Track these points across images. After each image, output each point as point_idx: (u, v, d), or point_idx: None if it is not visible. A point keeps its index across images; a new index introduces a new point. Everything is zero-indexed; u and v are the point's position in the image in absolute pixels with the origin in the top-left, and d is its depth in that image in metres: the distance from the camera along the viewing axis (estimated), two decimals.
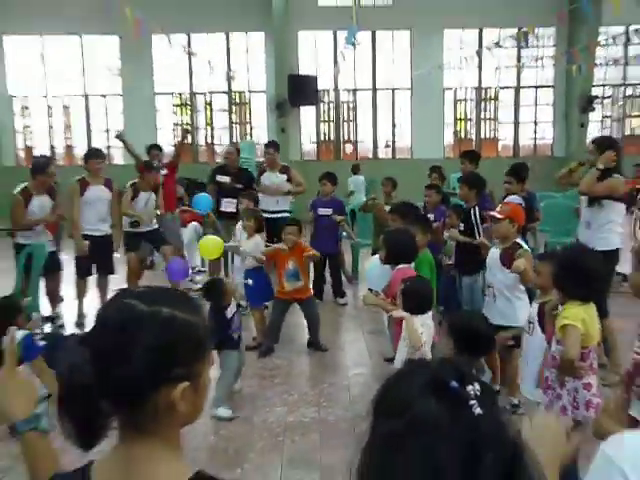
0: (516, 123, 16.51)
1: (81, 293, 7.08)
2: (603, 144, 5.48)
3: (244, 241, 6.48)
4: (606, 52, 15.41)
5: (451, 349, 3.33)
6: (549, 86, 16.23)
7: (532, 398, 3.76)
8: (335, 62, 15.58)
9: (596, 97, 15.45)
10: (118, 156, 16.08)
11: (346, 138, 16.52)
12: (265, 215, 7.52)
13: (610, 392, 3.92)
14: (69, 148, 16.37)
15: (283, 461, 4.16)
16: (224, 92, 16.28)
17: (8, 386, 1.43)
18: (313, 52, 15.89)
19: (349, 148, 16.14)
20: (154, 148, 8.75)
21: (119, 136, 8.46)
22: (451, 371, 1.05)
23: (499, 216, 4.82)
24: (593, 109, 15.39)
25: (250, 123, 16.51)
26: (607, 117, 16.47)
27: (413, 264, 4.97)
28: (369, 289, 5.59)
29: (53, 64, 16.06)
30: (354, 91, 16.34)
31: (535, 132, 16.61)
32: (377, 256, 5.34)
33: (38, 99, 16.31)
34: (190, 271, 8.87)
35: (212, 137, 16.49)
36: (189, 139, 8.19)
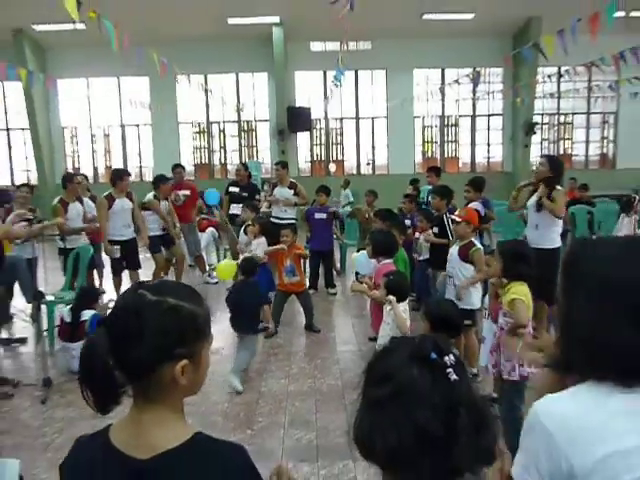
0: (473, 144, 16.52)
1: (117, 286, 7.06)
2: (552, 160, 5.51)
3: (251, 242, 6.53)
4: (543, 88, 15.44)
5: (427, 331, 3.32)
6: (499, 114, 16.26)
7: (486, 364, 3.77)
8: (325, 96, 15.56)
9: (536, 123, 15.49)
10: (149, 174, 16.04)
11: (334, 158, 16.48)
12: (275, 221, 7.66)
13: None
14: (109, 169, 16.28)
15: (286, 423, 4.13)
16: (235, 121, 16.23)
17: None
18: (307, 88, 15.83)
19: (332, 167, 16.05)
20: (178, 167, 8.70)
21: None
22: (431, 344, 1.05)
23: (458, 219, 4.84)
24: (534, 133, 15.44)
25: (256, 146, 16.45)
26: (545, 139, 16.50)
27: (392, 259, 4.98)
28: (356, 273, 5.61)
29: (96, 100, 16.04)
30: (341, 119, 16.31)
31: (488, 152, 16.61)
32: (363, 250, 5.36)
33: (84, 129, 16.24)
34: (207, 267, 8.86)
35: (225, 158, 16.43)
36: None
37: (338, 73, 9.34)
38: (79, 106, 15.96)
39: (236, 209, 8.04)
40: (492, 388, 3.99)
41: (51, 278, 6.60)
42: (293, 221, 7.92)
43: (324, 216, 7.80)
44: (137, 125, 16.16)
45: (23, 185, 7.27)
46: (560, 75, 11.45)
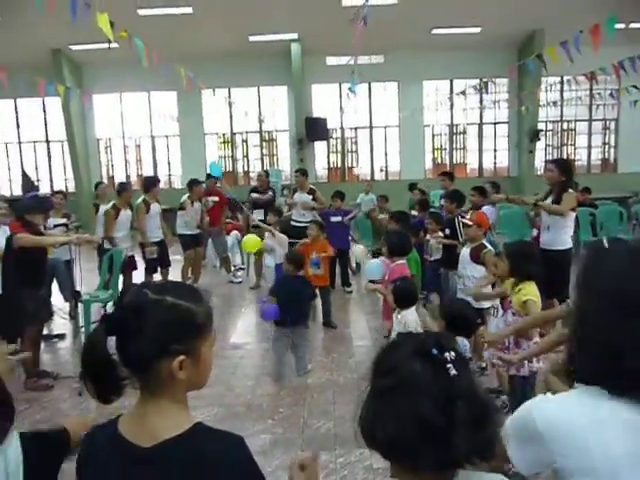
0: (480, 151, 16.37)
1: None
2: (561, 164, 5.42)
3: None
4: (546, 96, 15.28)
5: (443, 329, 3.27)
6: (505, 122, 16.09)
7: (494, 360, 3.71)
8: (340, 107, 15.54)
9: (540, 130, 15.31)
10: (177, 182, 16.17)
11: (350, 165, 16.45)
12: (295, 224, 7.76)
13: (554, 355, 3.86)
14: (140, 177, 16.40)
15: (305, 413, 4.13)
16: (256, 132, 16.27)
17: None
18: (323, 100, 15.81)
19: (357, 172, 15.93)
20: (210, 176, 8.82)
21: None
22: (433, 341, 1.06)
23: (470, 223, 4.79)
24: (539, 139, 15.26)
25: (277, 155, 16.46)
26: (549, 146, 16.30)
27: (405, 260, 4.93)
28: (369, 281, 5.56)
29: (128, 113, 16.16)
30: (355, 129, 16.27)
31: (495, 158, 16.43)
32: (374, 259, 5.34)
33: (117, 140, 16.39)
34: (232, 267, 8.92)
35: (248, 166, 16.47)
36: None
37: (352, 84, 9.33)
38: (112, 119, 16.09)
39: (259, 214, 8.10)
40: (497, 381, 3.96)
41: (87, 278, 6.66)
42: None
43: (339, 219, 7.85)
44: (166, 136, 16.26)
45: (57, 192, 7.41)
46: (563, 84, 11.34)
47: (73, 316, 6.42)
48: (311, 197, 8.07)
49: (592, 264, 1.19)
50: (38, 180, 15.84)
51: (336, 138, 16.23)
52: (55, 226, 6.44)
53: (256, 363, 5.21)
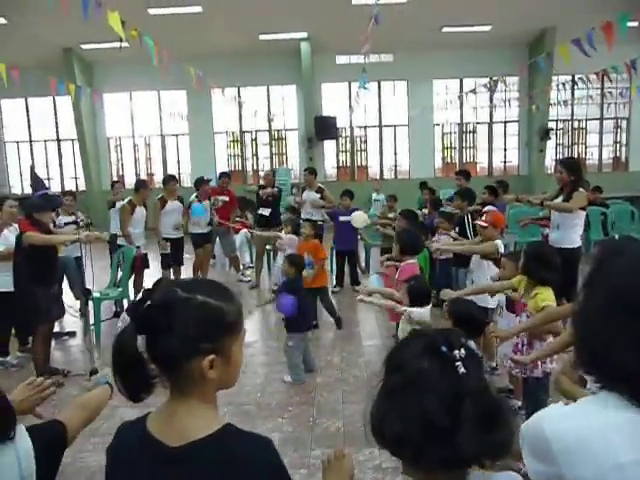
0: (490, 150, 16.29)
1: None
2: (568, 164, 5.39)
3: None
4: (557, 95, 15.17)
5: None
6: (515, 121, 16.00)
7: (506, 358, 3.69)
8: (350, 106, 15.51)
9: (551, 129, 15.21)
10: (186, 181, 16.23)
11: (359, 164, 16.42)
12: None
13: (566, 357, 3.84)
14: (150, 176, 16.46)
15: (314, 412, 4.13)
16: (266, 130, 16.28)
17: None
18: (333, 99, 15.79)
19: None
20: (224, 175, 8.84)
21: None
22: (442, 339, 1.05)
23: (485, 224, 4.75)
24: (549, 138, 15.16)
25: (286, 154, 16.46)
26: (560, 144, 16.19)
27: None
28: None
29: (138, 112, 16.23)
30: (365, 128, 16.24)
31: (505, 157, 16.34)
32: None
33: (127, 139, 16.47)
34: (241, 266, 8.94)
35: (257, 165, 16.49)
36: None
37: (362, 81, 9.30)
38: (123, 118, 16.18)
39: (264, 210, 8.17)
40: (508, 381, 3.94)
41: (98, 276, 6.70)
42: (321, 222, 8.02)
43: (349, 218, 7.75)
44: (176, 135, 16.32)
45: (67, 193, 7.48)
46: (574, 83, 11.25)
47: (84, 313, 6.46)
48: (319, 196, 8.09)
49: (602, 261, 1.16)
50: (48, 179, 15.95)
51: (345, 137, 16.21)
52: (66, 224, 6.49)
53: (265, 361, 5.21)
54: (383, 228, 7.33)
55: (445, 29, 13.57)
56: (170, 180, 7.61)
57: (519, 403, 3.74)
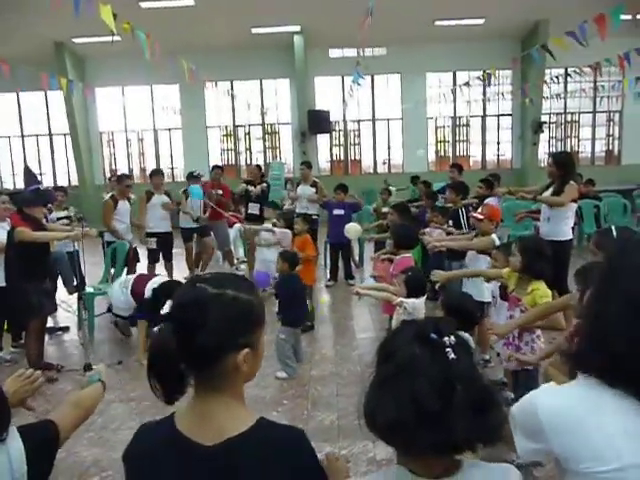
0: (483, 143, 16.31)
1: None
2: (559, 159, 5.39)
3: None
4: (550, 88, 15.21)
5: None
6: (508, 114, 16.02)
7: (499, 350, 3.70)
8: (343, 100, 15.50)
9: (544, 123, 15.24)
10: (180, 175, 16.19)
11: (352, 158, 16.40)
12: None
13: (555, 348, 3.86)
14: (143, 170, 16.39)
15: (309, 405, 4.14)
16: (259, 124, 16.24)
17: None
18: (326, 92, 15.75)
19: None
20: (216, 167, 8.82)
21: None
22: (432, 326, 1.07)
23: (480, 217, 4.75)
24: (542, 131, 15.19)
25: (279, 148, 16.44)
26: (553, 138, 16.23)
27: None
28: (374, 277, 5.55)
29: (131, 106, 16.14)
30: (358, 121, 16.22)
31: (498, 150, 16.38)
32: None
33: (120, 133, 16.39)
34: (235, 260, 8.94)
35: (250, 159, 16.43)
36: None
37: (356, 75, 9.29)
38: (115, 112, 16.09)
39: (254, 208, 8.06)
40: (503, 374, 3.96)
41: (91, 271, 6.68)
42: (316, 216, 7.97)
43: (342, 212, 7.77)
44: (168, 129, 16.25)
45: (59, 188, 7.46)
46: (567, 75, 11.26)
47: (79, 309, 6.45)
48: (314, 190, 8.08)
49: (617, 258, 1.17)
50: (41, 174, 15.85)
51: (339, 131, 16.19)
52: (58, 219, 6.47)
53: None
54: (379, 234, 7.19)
55: (438, 22, 13.55)
56: (156, 174, 7.62)
57: (512, 395, 3.76)
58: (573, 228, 5.60)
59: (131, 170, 16.17)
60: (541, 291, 3.26)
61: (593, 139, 16.20)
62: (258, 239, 6.71)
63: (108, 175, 12.18)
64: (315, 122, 14.83)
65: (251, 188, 8.34)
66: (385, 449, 3.28)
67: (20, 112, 16.29)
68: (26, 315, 4.73)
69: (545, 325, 3.27)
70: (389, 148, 16.28)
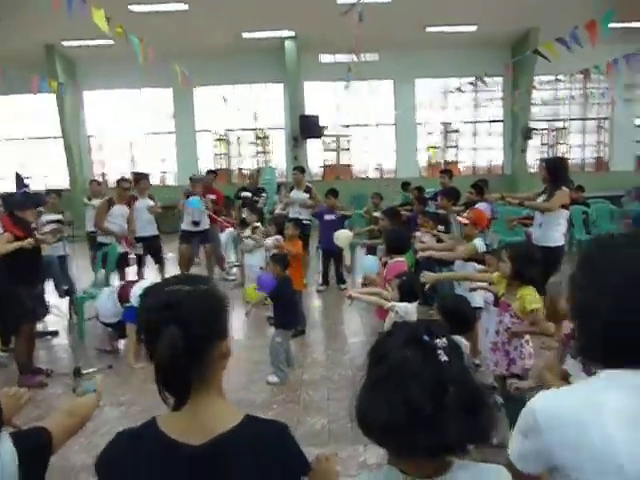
0: (474, 149, 16.41)
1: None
2: (550, 163, 5.45)
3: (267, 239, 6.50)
4: (541, 95, 15.37)
5: None
6: (499, 121, 16.12)
7: (487, 356, 3.72)
8: (336, 105, 15.52)
9: (534, 129, 15.36)
10: (170, 179, 16.15)
11: (345, 163, 16.43)
12: None
13: (549, 353, 3.89)
14: (134, 174, 16.29)
15: (300, 409, 4.14)
16: (251, 129, 16.24)
17: None
18: (318, 97, 15.77)
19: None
20: (211, 172, 8.85)
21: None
22: (424, 328, 1.08)
23: (466, 221, 4.79)
24: (531, 138, 15.30)
25: (271, 152, 16.45)
26: (543, 144, 16.35)
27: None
28: (363, 279, 5.57)
29: (123, 110, 15.99)
30: (350, 127, 16.26)
31: (489, 156, 16.48)
32: (370, 255, 5.29)
33: (111, 137, 16.29)
34: (227, 265, 8.93)
35: (242, 164, 16.43)
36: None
37: (347, 81, 9.36)
38: (107, 116, 16.00)
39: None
40: (492, 378, 3.97)
41: (81, 275, 6.65)
42: (308, 222, 7.95)
43: (333, 217, 7.79)
44: (161, 133, 16.18)
45: (51, 191, 7.42)
46: (557, 81, 11.38)
47: (70, 313, 6.42)
48: (308, 195, 8.07)
49: (596, 252, 1.17)
50: (28, 177, 15.71)
51: (331, 136, 16.22)
52: (48, 222, 6.44)
53: (250, 359, 5.20)
54: (371, 240, 7.21)
55: (429, 29, 13.64)
56: (143, 178, 7.59)
57: (502, 400, 3.78)
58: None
59: (122, 174, 16.06)
60: (531, 297, 3.27)
61: (583, 146, 16.35)
62: (241, 245, 6.73)
63: (94, 178, 12.06)
64: (307, 127, 14.85)
65: (247, 194, 8.37)
66: (376, 453, 3.29)
67: (11, 115, 16.15)
68: (19, 321, 4.70)
69: (534, 331, 3.30)
70: (381, 154, 16.28)
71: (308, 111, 15.50)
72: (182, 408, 1.14)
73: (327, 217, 7.80)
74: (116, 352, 5.47)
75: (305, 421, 3.94)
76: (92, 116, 16.00)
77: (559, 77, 14.15)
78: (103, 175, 16.14)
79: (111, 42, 5.88)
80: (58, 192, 7.42)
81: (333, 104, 15.62)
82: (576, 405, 1.07)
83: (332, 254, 7.80)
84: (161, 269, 7.61)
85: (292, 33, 13.96)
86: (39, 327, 6.24)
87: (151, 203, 7.46)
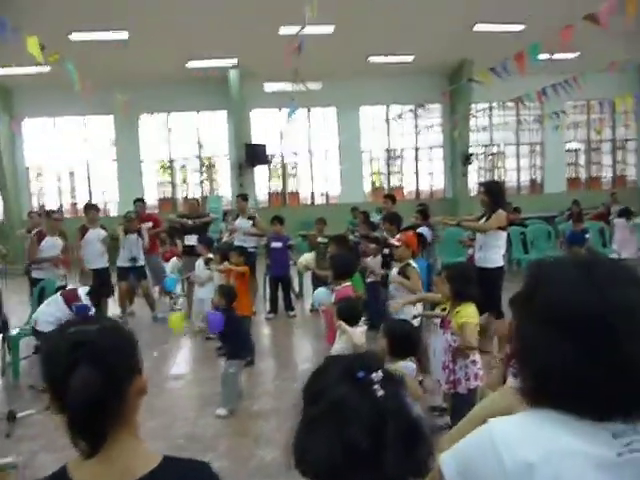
0: (416, 174, 16.80)
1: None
2: (488, 187, 5.63)
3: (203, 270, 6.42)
4: (477, 121, 15.98)
5: (386, 350, 3.21)
6: (439, 146, 16.60)
7: (438, 378, 3.74)
8: (280, 133, 15.61)
9: (472, 154, 15.89)
10: (113, 209, 15.73)
11: (290, 190, 16.47)
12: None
13: (493, 372, 3.95)
14: (74, 205, 15.83)
15: (250, 442, 4.02)
16: (196, 157, 16.08)
17: None
18: (263, 125, 15.82)
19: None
20: (139, 201, 8.57)
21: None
22: (359, 363, 1.04)
23: (397, 243, 4.91)
24: (470, 163, 15.81)
25: (216, 180, 16.32)
26: (482, 168, 16.92)
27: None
28: (312, 305, 5.56)
29: (62, 139, 15.48)
30: (295, 154, 16.35)
31: (431, 181, 16.89)
32: (322, 288, 5.27)
33: (50, 166, 15.72)
34: (172, 295, 8.69)
35: (187, 192, 16.21)
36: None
37: (291, 110, 9.43)
38: (45, 144, 15.45)
39: (190, 240, 7.81)
40: (442, 399, 3.99)
41: (18, 311, 6.31)
42: (254, 249, 7.84)
43: (280, 244, 7.77)
44: (101, 162, 15.75)
45: None
46: (491, 109, 11.87)
47: (2, 352, 6.05)
48: (251, 223, 8.00)
49: (534, 278, 1.05)
50: None
51: (276, 163, 16.26)
52: None
53: (197, 393, 5.03)
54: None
55: (371, 58, 13.99)
56: (91, 208, 7.39)
57: (450, 422, 3.80)
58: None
59: (61, 205, 15.54)
60: (463, 311, 3.38)
61: (518, 169, 17.03)
62: (193, 277, 6.59)
63: (33, 210, 11.59)
64: (252, 155, 14.85)
65: (186, 220, 8.16)
66: None
67: None
68: None
69: (456, 347, 3.39)
70: (326, 180, 16.41)
71: (254, 139, 15.51)
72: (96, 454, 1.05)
73: (274, 244, 7.76)
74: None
75: (256, 454, 3.82)
76: (31, 145, 15.43)
77: (493, 105, 14.83)
78: (42, 206, 15.54)
79: (48, 69, 5.69)
80: None
81: (278, 131, 15.68)
82: (527, 436, 0.93)
83: (280, 281, 7.74)
84: (104, 302, 7.25)
85: (235, 62, 14.01)
86: None
87: (104, 234, 7.23)
